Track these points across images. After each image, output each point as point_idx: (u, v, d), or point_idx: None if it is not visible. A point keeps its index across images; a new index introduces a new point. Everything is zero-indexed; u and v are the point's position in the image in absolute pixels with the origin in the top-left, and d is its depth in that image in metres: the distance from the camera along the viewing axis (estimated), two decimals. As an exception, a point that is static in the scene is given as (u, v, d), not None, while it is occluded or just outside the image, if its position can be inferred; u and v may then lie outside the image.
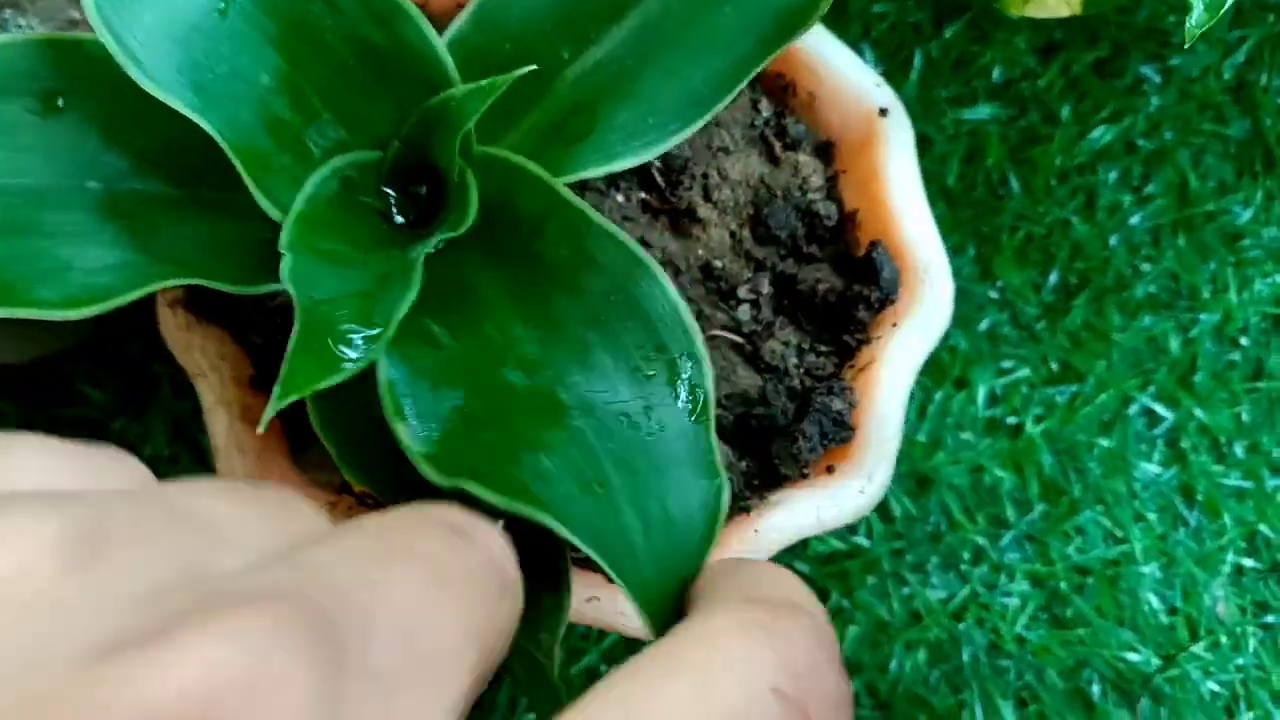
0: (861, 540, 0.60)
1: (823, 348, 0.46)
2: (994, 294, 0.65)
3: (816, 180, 0.48)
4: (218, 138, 0.34)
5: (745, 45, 0.38)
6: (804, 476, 0.43)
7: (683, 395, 0.33)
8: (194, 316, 0.43)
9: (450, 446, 0.33)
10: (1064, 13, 0.48)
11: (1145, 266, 0.66)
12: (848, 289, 0.45)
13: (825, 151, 0.49)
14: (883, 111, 0.47)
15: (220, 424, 0.41)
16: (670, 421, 0.33)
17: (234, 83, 0.35)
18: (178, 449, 0.58)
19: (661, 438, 0.33)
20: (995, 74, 0.68)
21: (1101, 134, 0.67)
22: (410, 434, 0.33)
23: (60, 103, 0.36)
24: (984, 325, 0.64)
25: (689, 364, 0.34)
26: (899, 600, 0.60)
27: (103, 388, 0.59)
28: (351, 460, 0.37)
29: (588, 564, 0.42)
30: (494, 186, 0.36)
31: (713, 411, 0.34)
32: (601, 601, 0.40)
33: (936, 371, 0.63)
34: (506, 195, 0.36)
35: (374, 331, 0.32)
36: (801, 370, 0.45)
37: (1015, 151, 0.67)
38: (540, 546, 0.38)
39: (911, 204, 0.45)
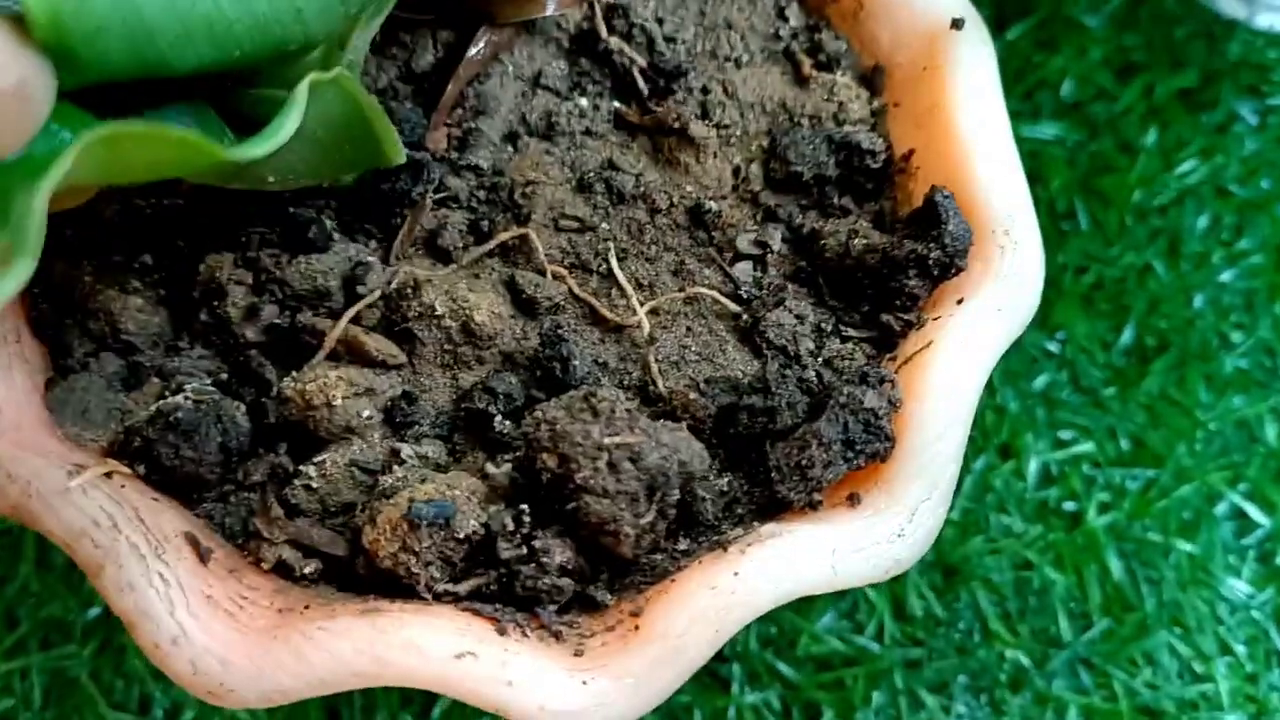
0: (868, 641, 0.45)
1: (851, 331, 0.32)
2: (1053, 346, 0.51)
3: (858, 110, 0.34)
4: None
5: None
6: (813, 507, 0.28)
7: None
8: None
9: None
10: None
11: (1236, 336, 0.53)
12: (895, 247, 0.31)
13: (872, 80, 0.35)
14: (956, 24, 0.34)
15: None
16: None
17: None
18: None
19: None
20: (1064, 89, 0.56)
21: (1189, 170, 0.55)
22: None
23: None
24: (1039, 383, 0.50)
25: None
26: (912, 729, 0.44)
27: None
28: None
29: (473, 601, 0.27)
30: None
31: None
32: (482, 663, 0.25)
33: (977, 433, 0.49)
34: None
35: None
36: (819, 360, 0.31)
37: (1085, 180, 0.54)
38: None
39: (990, 141, 0.32)
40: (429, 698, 0.44)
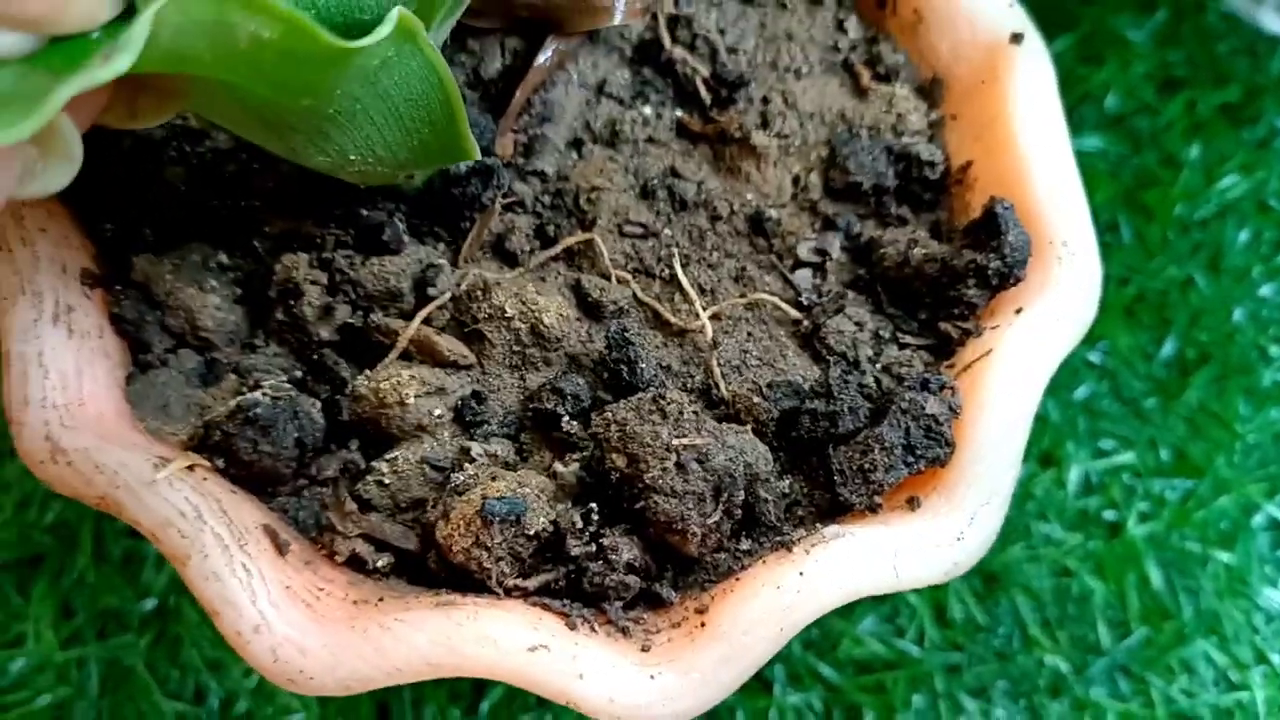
0: (909, 646, 0.46)
1: (909, 339, 0.32)
2: (1095, 357, 0.52)
3: (916, 122, 0.35)
4: None
5: None
6: (873, 510, 0.29)
7: None
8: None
9: None
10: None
11: (1274, 350, 0.53)
12: (954, 256, 0.31)
13: (930, 92, 0.36)
14: (1015, 38, 0.34)
15: (18, 321, 0.28)
16: None
17: None
18: None
19: None
20: (1108, 103, 0.56)
21: (1230, 185, 0.55)
22: None
23: None
24: (1080, 393, 0.51)
25: None
26: (952, 732, 0.45)
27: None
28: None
29: (541, 596, 0.28)
30: None
31: None
32: (552, 656, 0.26)
33: (1018, 441, 0.49)
34: None
35: None
36: (878, 366, 0.32)
37: (1128, 193, 0.55)
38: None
39: (1050, 153, 0.33)
40: (477, 693, 0.44)
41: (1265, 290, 0.54)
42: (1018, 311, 0.31)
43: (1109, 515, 0.49)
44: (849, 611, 0.46)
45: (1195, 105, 0.57)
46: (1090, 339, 0.52)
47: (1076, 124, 0.57)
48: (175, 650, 0.44)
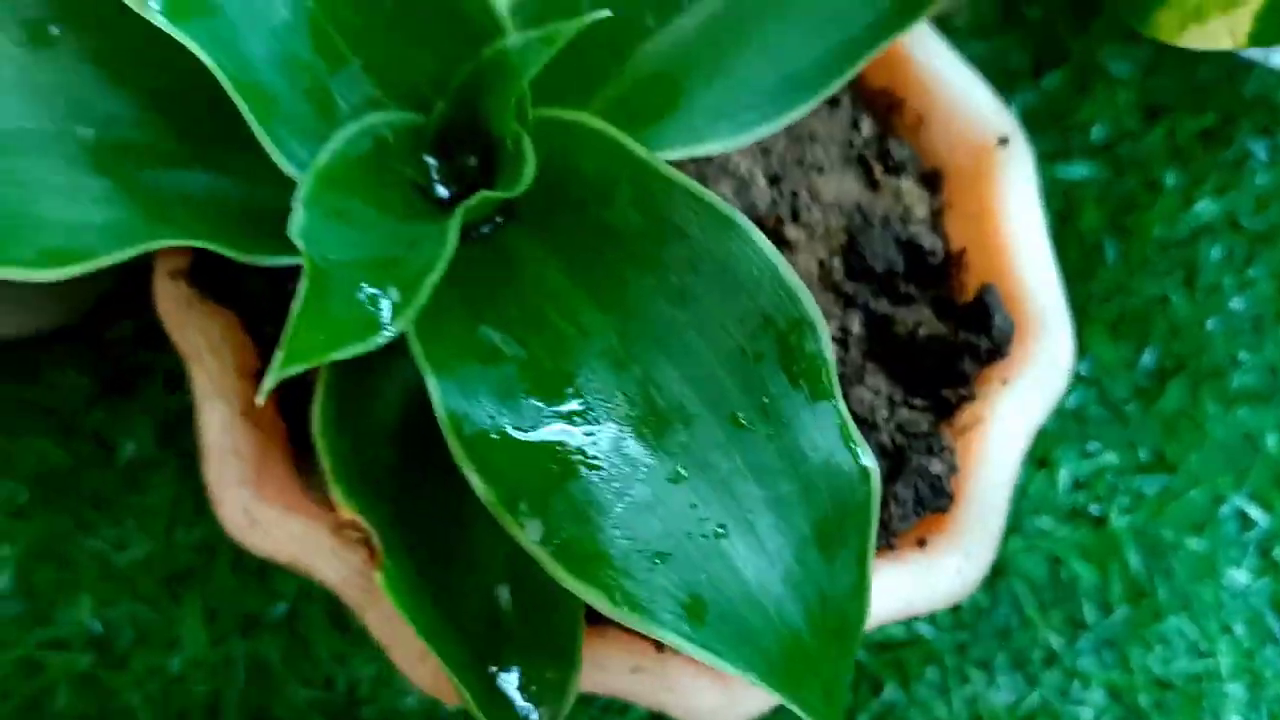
0: (923, 628, 0.54)
1: (916, 401, 0.39)
2: (1083, 369, 0.59)
3: (920, 211, 0.42)
4: (217, 71, 0.28)
5: (857, 23, 0.33)
6: (890, 548, 0.37)
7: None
8: (197, 292, 0.37)
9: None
10: (1225, 44, 0.43)
11: (1244, 355, 0.60)
12: (953, 335, 0.38)
13: (932, 181, 0.43)
14: (1002, 141, 0.41)
15: (215, 419, 0.35)
16: (791, 414, 0.28)
17: (244, 13, 0.29)
18: (165, 453, 0.52)
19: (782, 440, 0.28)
20: (1095, 131, 0.63)
21: (1205, 207, 0.62)
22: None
23: (53, 31, 0.30)
24: (1071, 402, 0.58)
25: (803, 333, 0.28)
26: (961, 700, 0.53)
27: (83, 372, 0.52)
28: (353, 476, 0.31)
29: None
30: (554, 152, 0.30)
31: (837, 387, 0.28)
32: (647, 675, 0.34)
33: (1015, 447, 0.57)
34: (568, 160, 0.29)
35: (399, 298, 0.26)
36: (892, 425, 0.39)
37: (1113, 216, 0.61)
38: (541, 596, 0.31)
39: (1029, 244, 0.40)
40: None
41: (1235, 303, 0.61)
42: (1004, 382, 0.38)
43: (1094, 509, 0.57)
44: (870, 599, 0.54)
45: (1175, 131, 0.63)
46: (1080, 352, 0.59)
47: (1068, 153, 0.63)
48: (306, 647, 0.52)
